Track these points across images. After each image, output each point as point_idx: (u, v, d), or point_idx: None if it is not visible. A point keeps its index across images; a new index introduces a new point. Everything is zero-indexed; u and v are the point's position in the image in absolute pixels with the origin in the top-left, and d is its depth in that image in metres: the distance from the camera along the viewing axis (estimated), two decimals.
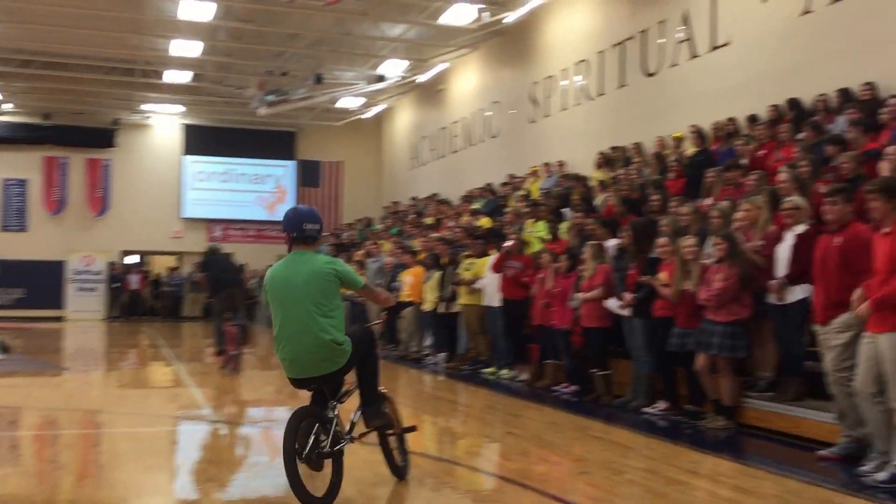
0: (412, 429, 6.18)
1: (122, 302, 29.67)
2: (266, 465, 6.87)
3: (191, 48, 22.87)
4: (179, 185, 31.30)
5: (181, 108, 30.47)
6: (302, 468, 5.15)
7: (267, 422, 9.14)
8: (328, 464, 5.32)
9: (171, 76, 25.96)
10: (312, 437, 5.26)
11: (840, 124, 10.61)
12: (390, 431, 5.98)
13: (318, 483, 5.27)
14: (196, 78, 26.73)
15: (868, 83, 10.95)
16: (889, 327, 5.86)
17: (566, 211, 13.70)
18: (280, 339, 5.46)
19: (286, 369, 5.54)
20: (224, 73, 26.43)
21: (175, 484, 6.47)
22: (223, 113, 30.55)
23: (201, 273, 14.50)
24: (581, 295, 10.04)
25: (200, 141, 31.35)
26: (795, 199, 7.88)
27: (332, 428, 5.36)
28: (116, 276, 29.76)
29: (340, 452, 5.39)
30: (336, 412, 5.50)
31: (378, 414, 5.71)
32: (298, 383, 5.54)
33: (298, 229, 5.55)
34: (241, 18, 21.29)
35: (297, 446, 5.18)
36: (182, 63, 24.64)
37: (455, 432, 8.73)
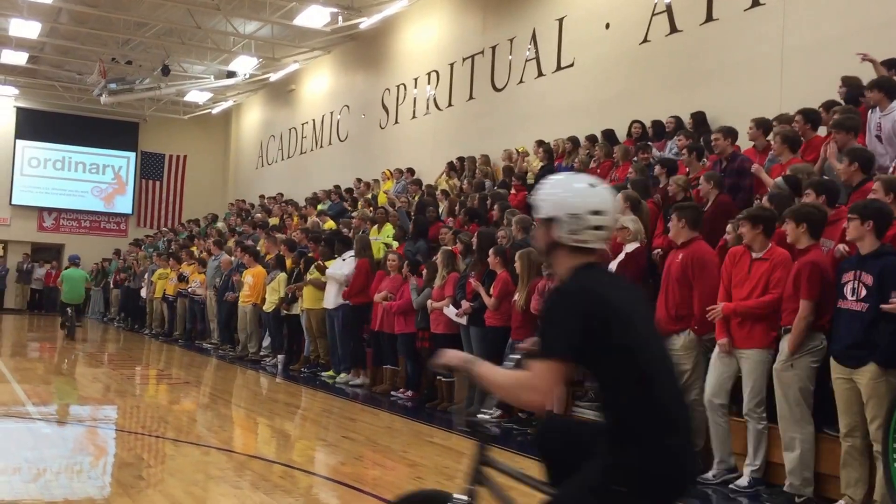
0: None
1: None
2: (90, 466, 6.63)
3: (29, 28, 21.68)
4: (10, 170, 29.63)
5: (14, 91, 28.82)
6: None
7: (92, 420, 8.79)
8: None
9: (6, 56, 24.48)
10: None
11: (670, 149, 11.27)
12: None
13: None
14: (33, 60, 25.35)
15: (698, 112, 11.68)
16: (754, 344, 6.20)
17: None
18: (68, 290, 17.98)
19: (67, 299, 17.85)
20: (65, 57, 25.20)
21: None
22: (62, 98, 29.12)
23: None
24: (432, 304, 10.15)
25: (35, 126, 29.78)
26: (623, 219, 8.24)
27: None
28: None
29: None
30: None
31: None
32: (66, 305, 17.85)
33: (74, 262, 18.84)
34: (86, 3, 20.38)
35: None
36: (18, 43, 23.29)
37: (290, 435, 8.69)
